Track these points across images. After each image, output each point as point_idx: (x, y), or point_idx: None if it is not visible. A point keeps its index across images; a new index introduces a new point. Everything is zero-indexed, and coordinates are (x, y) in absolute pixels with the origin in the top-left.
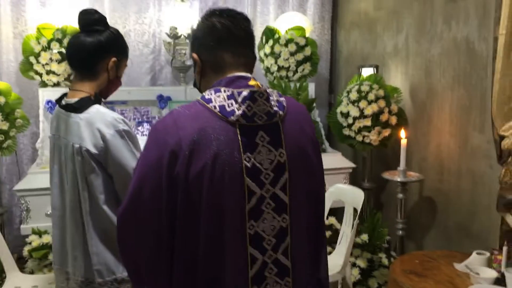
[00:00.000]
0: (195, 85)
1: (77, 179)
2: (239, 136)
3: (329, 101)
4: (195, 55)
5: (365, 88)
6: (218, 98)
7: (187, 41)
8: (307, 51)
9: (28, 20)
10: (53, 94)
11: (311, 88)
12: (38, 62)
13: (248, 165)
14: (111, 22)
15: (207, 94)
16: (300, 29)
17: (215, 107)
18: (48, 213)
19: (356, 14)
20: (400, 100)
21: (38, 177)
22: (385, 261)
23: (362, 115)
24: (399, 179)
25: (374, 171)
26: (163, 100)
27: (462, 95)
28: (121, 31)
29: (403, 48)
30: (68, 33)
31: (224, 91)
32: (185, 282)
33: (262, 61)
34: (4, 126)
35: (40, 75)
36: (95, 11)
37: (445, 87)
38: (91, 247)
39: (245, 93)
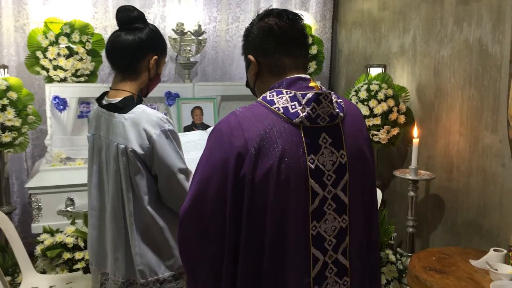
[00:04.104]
0: (247, 86)
1: (120, 180)
2: (303, 137)
3: None
4: (251, 57)
5: (374, 87)
6: (280, 100)
7: (193, 37)
8: (314, 49)
9: (29, 13)
10: (60, 89)
11: None
12: (45, 57)
13: (312, 166)
14: (114, 18)
15: (269, 96)
16: (307, 27)
17: (278, 109)
18: (59, 210)
19: (358, 13)
20: (407, 100)
21: (50, 174)
22: (392, 257)
23: (372, 114)
24: (410, 177)
25: (378, 168)
26: (171, 97)
27: (473, 96)
28: None
29: (410, 48)
30: (76, 27)
31: (286, 93)
32: (247, 282)
33: None
34: (17, 122)
35: (47, 70)
36: (134, 8)
37: (455, 87)
38: (134, 248)
39: (309, 95)
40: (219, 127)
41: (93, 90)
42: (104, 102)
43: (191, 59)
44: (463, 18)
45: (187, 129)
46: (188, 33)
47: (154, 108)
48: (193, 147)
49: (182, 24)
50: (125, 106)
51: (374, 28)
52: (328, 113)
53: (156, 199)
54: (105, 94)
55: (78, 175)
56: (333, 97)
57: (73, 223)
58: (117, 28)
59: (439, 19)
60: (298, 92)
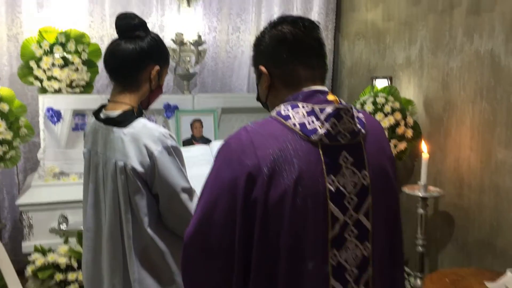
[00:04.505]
0: (258, 99)
1: (118, 200)
2: (322, 156)
3: None
4: (263, 68)
5: (380, 100)
6: (296, 114)
7: (192, 47)
8: None
9: (23, 22)
10: (54, 101)
11: None
12: (39, 67)
13: (332, 188)
14: (111, 27)
15: (283, 110)
16: None
17: (294, 124)
18: (51, 228)
19: (362, 24)
20: (414, 113)
21: (42, 190)
22: None
23: None
24: (420, 194)
25: None
26: (170, 109)
27: (485, 109)
28: None
29: (416, 60)
30: (72, 37)
31: (303, 107)
32: None
33: None
34: (8, 135)
35: (41, 80)
36: (135, 15)
37: (465, 100)
38: (132, 274)
39: (329, 109)
40: (228, 143)
41: (89, 101)
42: (101, 115)
43: (190, 70)
44: (473, 29)
45: (187, 142)
46: (188, 43)
47: (152, 121)
48: (195, 163)
49: (182, 34)
50: (124, 120)
51: (379, 39)
52: (349, 130)
53: (157, 221)
54: (102, 107)
55: (72, 191)
56: (354, 112)
57: (66, 242)
58: (115, 37)
59: (447, 30)
60: (316, 106)
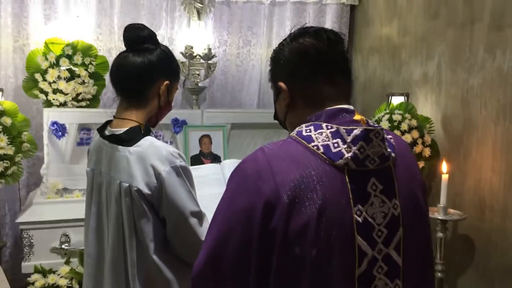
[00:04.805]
0: (276, 118)
1: (122, 224)
2: (348, 184)
3: None
4: (282, 85)
5: (397, 117)
6: (320, 136)
7: (202, 61)
8: None
9: (30, 34)
10: (59, 115)
11: None
12: (44, 79)
13: (359, 220)
14: (120, 39)
15: (305, 131)
16: None
17: (317, 147)
18: (53, 247)
19: (376, 39)
20: (432, 131)
21: (44, 208)
22: None
23: None
24: (440, 217)
25: None
26: (178, 124)
27: (508, 130)
28: None
29: (434, 76)
30: (79, 49)
31: (327, 128)
32: None
33: None
34: (10, 150)
35: (46, 93)
36: (144, 26)
37: (486, 119)
38: None
39: (357, 131)
40: (244, 167)
41: (95, 115)
42: (106, 132)
43: (200, 84)
44: (496, 45)
45: (195, 158)
46: (197, 56)
47: (160, 136)
48: (205, 183)
49: (191, 47)
50: (130, 138)
51: (394, 55)
52: (378, 154)
53: (163, 247)
54: (108, 123)
55: (75, 208)
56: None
57: (67, 263)
58: (123, 49)
59: (467, 46)
60: (342, 127)
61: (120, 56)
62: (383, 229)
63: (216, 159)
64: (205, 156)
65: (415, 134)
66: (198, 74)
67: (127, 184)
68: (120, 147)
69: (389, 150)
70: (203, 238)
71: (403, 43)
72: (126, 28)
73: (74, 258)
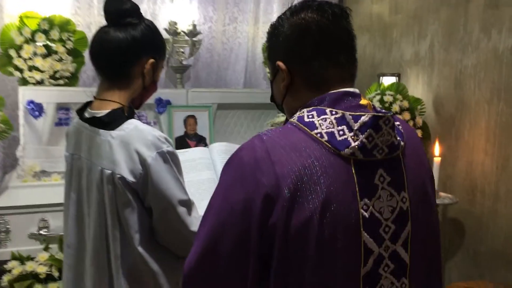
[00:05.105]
0: (272, 100)
1: (105, 214)
2: (354, 175)
3: None
4: (281, 64)
5: (388, 98)
6: (324, 122)
7: (187, 38)
8: None
9: (3, 7)
10: (35, 93)
11: None
12: (19, 56)
13: (366, 215)
14: (100, 14)
15: (307, 116)
16: None
17: (321, 135)
18: (31, 233)
19: (366, 17)
20: (423, 113)
21: (20, 192)
22: None
23: None
24: None
25: None
26: (161, 104)
27: (502, 111)
28: None
29: (426, 56)
30: (56, 23)
31: (331, 113)
32: None
33: (266, 64)
34: None
35: (21, 71)
36: None
37: (480, 101)
38: None
39: (365, 118)
40: (240, 156)
41: (74, 94)
42: (86, 114)
43: (184, 62)
44: (492, 24)
45: (179, 139)
46: (182, 33)
47: (143, 117)
48: (193, 167)
49: (175, 24)
50: (112, 121)
51: (384, 34)
52: (388, 143)
53: (149, 238)
54: (87, 104)
55: (54, 192)
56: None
57: (46, 249)
58: (103, 24)
59: (462, 25)
60: (348, 113)
61: (101, 31)
62: (390, 225)
63: (201, 140)
64: (190, 138)
65: (407, 115)
66: (183, 52)
67: (110, 171)
68: (101, 130)
69: (398, 138)
70: (192, 228)
71: (395, 21)
72: (107, 0)
73: (53, 244)
